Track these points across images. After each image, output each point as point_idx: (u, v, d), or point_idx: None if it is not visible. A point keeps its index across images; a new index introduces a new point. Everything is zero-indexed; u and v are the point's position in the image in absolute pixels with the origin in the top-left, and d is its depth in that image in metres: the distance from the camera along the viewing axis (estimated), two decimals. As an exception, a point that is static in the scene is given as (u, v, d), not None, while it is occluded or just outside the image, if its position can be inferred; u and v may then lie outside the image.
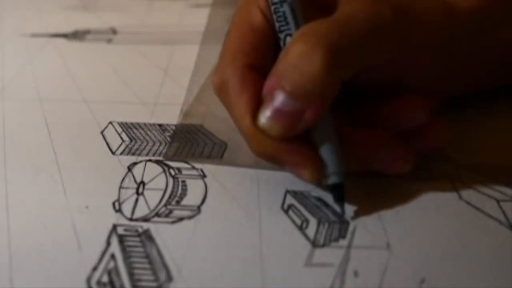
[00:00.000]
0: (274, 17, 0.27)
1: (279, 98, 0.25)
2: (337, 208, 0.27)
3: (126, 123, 0.34)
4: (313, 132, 0.26)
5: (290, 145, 0.26)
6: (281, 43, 0.27)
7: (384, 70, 0.28)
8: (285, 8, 0.26)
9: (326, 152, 0.26)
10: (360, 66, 0.26)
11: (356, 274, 0.24)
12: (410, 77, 0.29)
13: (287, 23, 0.26)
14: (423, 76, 0.29)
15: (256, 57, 0.27)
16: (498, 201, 0.27)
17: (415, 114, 0.28)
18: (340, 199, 0.27)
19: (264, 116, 0.25)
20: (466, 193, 0.28)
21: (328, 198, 0.28)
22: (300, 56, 0.24)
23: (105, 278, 0.24)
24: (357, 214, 0.27)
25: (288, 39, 0.26)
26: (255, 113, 0.26)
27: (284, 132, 0.25)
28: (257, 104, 0.26)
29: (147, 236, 0.26)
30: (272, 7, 0.27)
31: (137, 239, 0.26)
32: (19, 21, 0.48)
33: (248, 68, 0.27)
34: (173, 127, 0.34)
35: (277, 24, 0.27)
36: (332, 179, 0.26)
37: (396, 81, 0.29)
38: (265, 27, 0.27)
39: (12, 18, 0.49)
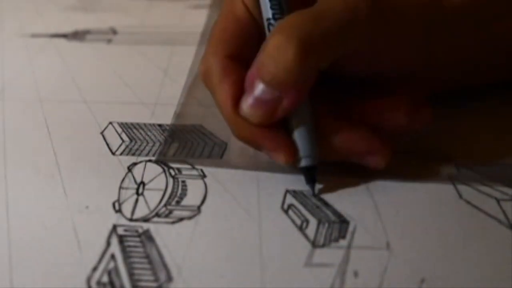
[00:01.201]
0: (266, 6, 0.28)
1: (259, 88, 0.26)
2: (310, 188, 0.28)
3: (126, 123, 0.34)
4: (290, 118, 0.27)
5: (266, 131, 0.27)
6: (267, 32, 0.28)
7: (364, 59, 0.28)
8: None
9: (300, 136, 0.27)
10: (335, 56, 0.27)
11: (356, 274, 0.24)
12: (391, 69, 0.29)
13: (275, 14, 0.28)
14: (404, 68, 0.29)
15: (238, 47, 0.29)
16: (498, 200, 0.27)
17: (397, 117, 0.29)
18: (311, 181, 0.28)
19: (246, 104, 0.27)
20: (466, 193, 0.28)
21: (329, 197, 0.28)
22: (276, 47, 0.25)
23: (105, 278, 0.24)
24: (357, 215, 0.27)
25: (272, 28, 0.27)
26: (236, 100, 0.27)
27: (264, 119, 0.27)
28: (238, 91, 0.27)
29: (147, 236, 0.26)
30: None
31: (137, 239, 0.26)
32: (19, 22, 0.48)
33: (230, 57, 0.28)
34: (173, 127, 0.34)
35: (265, 14, 0.28)
36: (304, 162, 0.27)
37: (378, 73, 0.29)
38: (247, 18, 0.29)
39: (12, 18, 0.49)
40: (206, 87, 0.29)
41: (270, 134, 0.27)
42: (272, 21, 0.28)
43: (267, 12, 0.28)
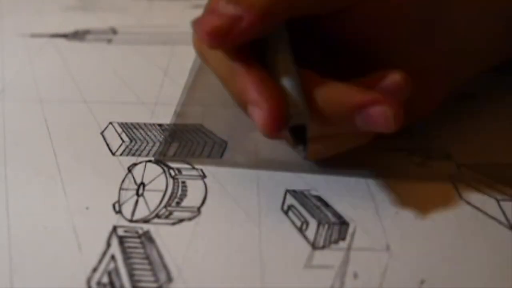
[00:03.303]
0: None
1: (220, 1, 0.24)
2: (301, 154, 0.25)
3: (126, 123, 0.34)
4: (274, 68, 0.24)
5: (248, 68, 0.24)
6: None
7: (354, 22, 0.26)
8: None
9: (289, 85, 0.24)
10: None
11: (355, 275, 0.24)
12: (385, 45, 0.26)
13: None
14: (399, 49, 0.27)
15: None
16: (498, 201, 0.27)
17: (393, 77, 0.25)
18: (303, 142, 0.24)
19: (202, 15, 0.25)
20: (466, 193, 0.28)
21: (329, 198, 0.28)
22: None
23: (105, 279, 0.24)
24: (357, 215, 0.27)
25: None
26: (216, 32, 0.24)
27: (216, 33, 0.24)
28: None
29: (147, 237, 0.26)
30: None
31: (137, 240, 0.26)
32: (19, 21, 0.48)
33: None
34: (173, 127, 0.34)
35: None
36: (296, 119, 0.23)
37: (371, 48, 0.26)
38: None
39: (12, 18, 0.49)
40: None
41: (253, 74, 0.24)
42: None
43: None
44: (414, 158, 0.31)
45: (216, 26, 0.24)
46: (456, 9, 0.27)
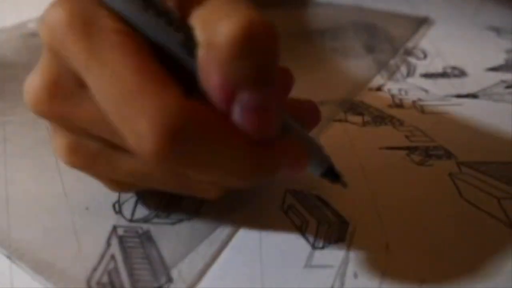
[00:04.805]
0: None
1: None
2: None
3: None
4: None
5: (283, 143, 0.22)
6: None
7: None
8: None
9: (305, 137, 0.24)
10: None
11: (355, 275, 0.24)
12: None
13: None
14: None
15: None
16: (498, 199, 0.27)
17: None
18: (337, 178, 0.25)
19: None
20: (467, 191, 0.28)
21: (328, 197, 0.28)
22: None
23: (105, 279, 0.24)
24: (356, 215, 0.27)
25: None
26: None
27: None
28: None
29: (147, 237, 0.26)
30: None
31: (137, 240, 0.26)
32: (19, 21, 0.48)
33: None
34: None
35: None
36: (323, 165, 0.25)
37: None
38: None
39: (12, 18, 0.49)
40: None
41: (287, 145, 0.22)
42: None
43: None
44: (414, 156, 0.31)
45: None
46: None
